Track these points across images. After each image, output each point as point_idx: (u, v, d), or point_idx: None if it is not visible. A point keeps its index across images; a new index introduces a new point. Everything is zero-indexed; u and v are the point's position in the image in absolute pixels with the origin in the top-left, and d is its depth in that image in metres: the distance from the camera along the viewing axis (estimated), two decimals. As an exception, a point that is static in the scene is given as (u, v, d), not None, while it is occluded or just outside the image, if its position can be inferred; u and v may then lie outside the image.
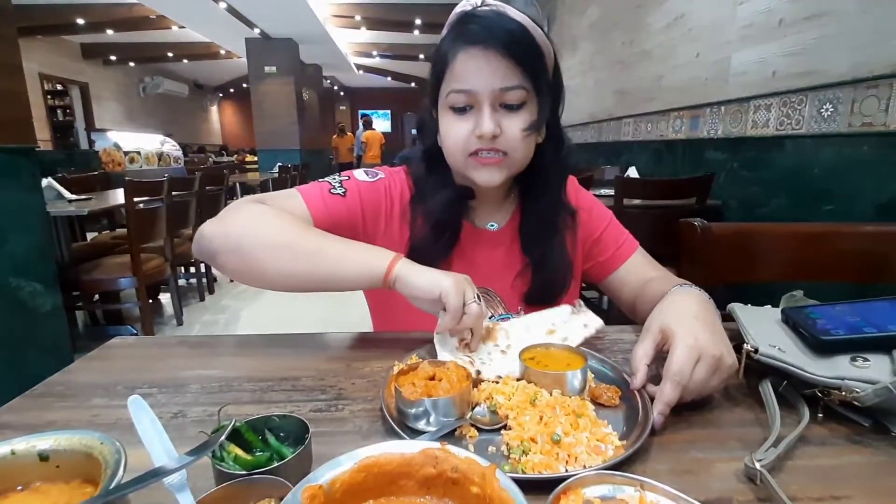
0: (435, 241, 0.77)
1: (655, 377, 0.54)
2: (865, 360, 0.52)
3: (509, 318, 0.80)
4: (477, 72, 0.67)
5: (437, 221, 0.77)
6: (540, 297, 0.81)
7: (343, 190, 0.78)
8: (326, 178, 0.80)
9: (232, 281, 4.09)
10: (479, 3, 0.69)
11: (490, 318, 0.80)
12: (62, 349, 2.13)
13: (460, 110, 0.70)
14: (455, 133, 0.71)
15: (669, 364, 0.52)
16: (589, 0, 4.28)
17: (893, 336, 0.53)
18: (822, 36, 1.82)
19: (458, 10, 0.71)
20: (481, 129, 0.68)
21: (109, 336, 0.76)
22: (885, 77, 1.56)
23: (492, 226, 0.84)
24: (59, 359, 2.08)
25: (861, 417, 0.51)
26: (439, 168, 0.79)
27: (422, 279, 0.62)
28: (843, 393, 0.49)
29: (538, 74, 0.69)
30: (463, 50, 0.67)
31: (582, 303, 0.70)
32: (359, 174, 0.82)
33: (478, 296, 0.62)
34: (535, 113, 0.71)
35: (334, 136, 10.46)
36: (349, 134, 10.74)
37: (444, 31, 0.72)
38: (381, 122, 16.66)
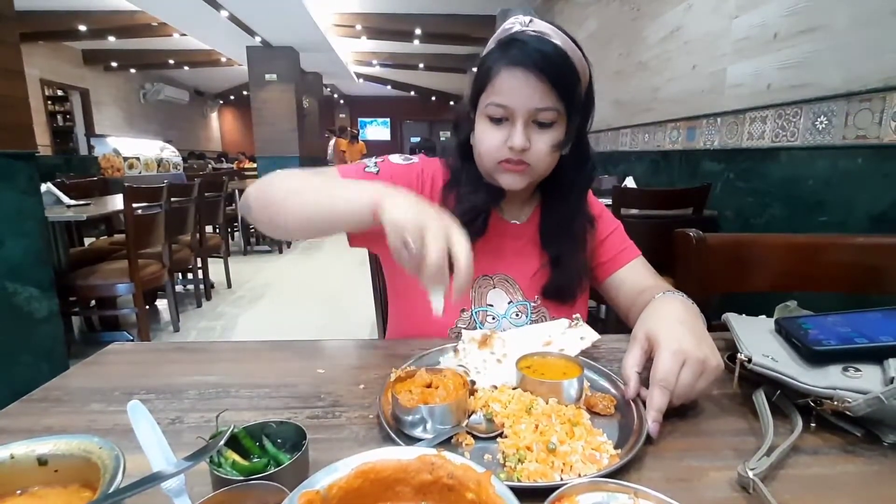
0: (468, 224, 0.80)
1: (648, 383, 0.54)
2: (857, 370, 0.52)
3: (526, 304, 0.86)
4: (516, 90, 0.72)
5: (472, 206, 0.82)
6: (556, 294, 0.86)
7: (377, 169, 0.84)
8: (363, 160, 0.86)
9: (230, 287, 4.08)
10: (527, 23, 0.74)
11: (509, 302, 0.85)
12: (58, 355, 2.12)
13: (496, 121, 0.76)
14: (489, 140, 0.77)
15: (655, 370, 0.53)
16: (586, 12, 4.33)
17: (884, 347, 0.53)
18: (817, 50, 1.85)
19: (507, 26, 0.76)
20: (513, 142, 0.74)
21: (105, 342, 0.76)
22: (878, 90, 1.58)
23: (516, 221, 0.89)
24: (54, 364, 2.07)
25: (853, 427, 0.51)
26: (472, 161, 0.84)
27: (390, 214, 0.57)
28: (836, 403, 0.50)
29: (570, 98, 0.74)
30: (506, 69, 0.72)
31: (579, 317, 0.71)
32: (394, 158, 0.88)
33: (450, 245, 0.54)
34: (563, 132, 0.77)
35: (342, 140, 9.60)
36: (360, 142, 10.04)
37: (492, 45, 0.77)
38: (381, 130, 16.76)
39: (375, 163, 0.86)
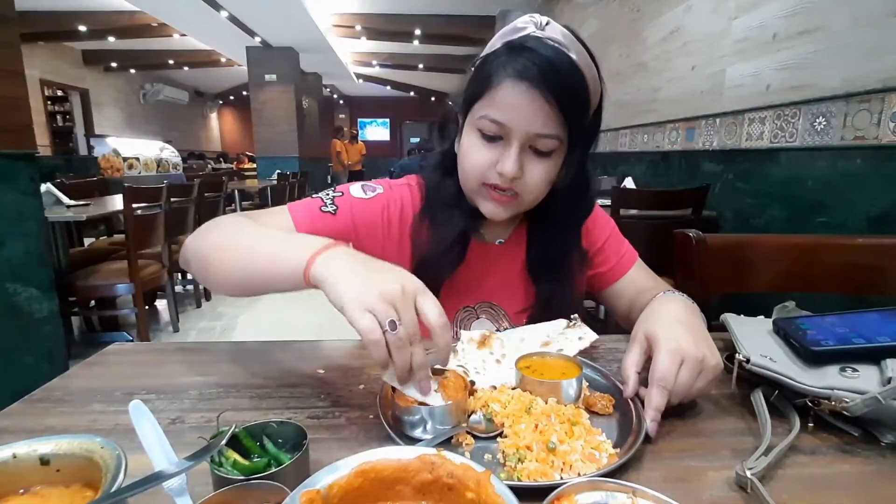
0: (442, 257, 0.76)
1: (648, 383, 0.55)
2: (855, 370, 0.53)
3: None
4: (518, 108, 0.64)
5: (450, 233, 0.75)
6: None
7: (334, 207, 0.75)
8: (320, 194, 0.78)
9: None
10: (542, 24, 0.64)
11: (496, 331, 0.81)
12: (58, 355, 2.12)
13: (488, 137, 0.67)
14: (476, 158, 0.69)
15: (654, 370, 0.53)
16: (586, 13, 4.34)
17: (882, 347, 0.54)
18: (816, 51, 1.85)
19: (520, 25, 0.66)
20: (503, 168, 0.66)
21: (105, 342, 0.76)
22: (877, 91, 1.59)
23: (500, 241, 0.84)
24: (54, 365, 2.07)
25: (850, 427, 0.51)
26: (454, 174, 0.76)
27: (334, 289, 0.48)
28: (833, 403, 0.50)
29: (577, 127, 0.66)
30: (510, 80, 0.63)
31: (577, 317, 0.70)
32: (354, 189, 0.79)
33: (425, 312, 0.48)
34: (561, 163, 0.70)
35: (338, 141, 9.55)
36: (360, 142, 10.14)
37: (498, 44, 0.67)
38: (381, 131, 16.76)
39: (333, 199, 0.76)
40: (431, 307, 0.49)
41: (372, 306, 0.46)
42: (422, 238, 0.77)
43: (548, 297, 0.80)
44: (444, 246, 0.75)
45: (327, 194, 0.78)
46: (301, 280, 0.52)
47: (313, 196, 0.77)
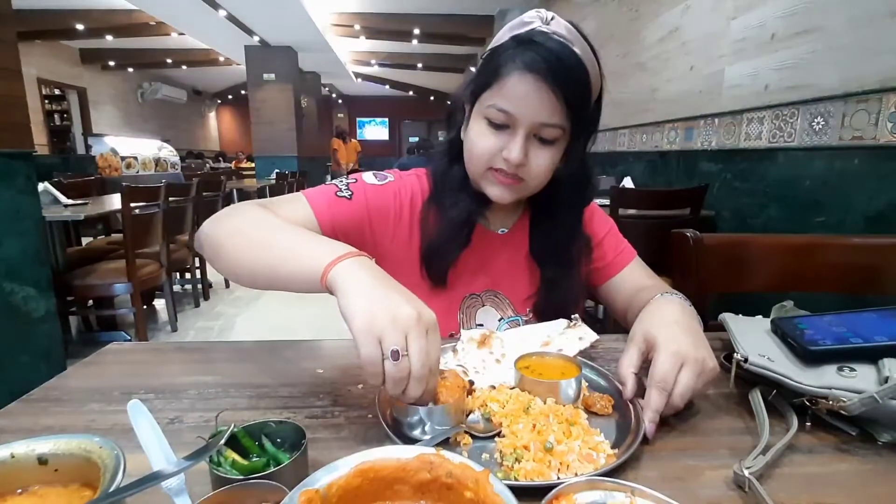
0: (449, 239, 0.78)
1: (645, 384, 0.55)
2: (852, 369, 0.53)
3: (518, 319, 0.83)
4: (525, 99, 0.67)
5: (456, 218, 0.77)
6: (551, 315, 0.80)
7: (349, 193, 0.77)
8: (334, 181, 0.79)
9: (228, 287, 4.08)
10: (548, 20, 0.67)
11: (499, 319, 0.83)
12: (55, 355, 2.11)
13: (495, 126, 0.70)
14: (483, 145, 0.71)
15: (653, 371, 0.54)
16: (585, 13, 4.34)
17: (879, 346, 0.54)
18: (814, 51, 1.85)
19: (527, 20, 0.68)
20: (509, 155, 0.69)
21: (103, 342, 0.76)
22: (875, 92, 1.59)
23: (503, 230, 0.85)
24: (51, 364, 2.07)
25: (848, 426, 0.52)
26: (460, 161, 0.78)
27: (347, 298, 0.48)
28: (831, 402, 0.50)
29: (580, 117, 0.70)
30: (518, 72, 0.66)
31: (578, 317, 0.71)
32: (367, 177, 0.82)
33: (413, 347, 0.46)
34: (563, 151, 0.73)
35: (337, 140, 9.71)
36: (353, 140, 10.31)
37: (506, 37, 0.69)
38: (380, 130, 16.76)
39: (347, 185, 0.78)
40: (435, 348, 0.48)
41: (381, 330, 0.46)
42: (429, 225, 0.79)
43: (552, 283, 0.82)
44: (450, 229, 0.77)
45: (341, 181, 0.80)
46: (316, 281, 0.52)
47: (327, 184, 0.79)
